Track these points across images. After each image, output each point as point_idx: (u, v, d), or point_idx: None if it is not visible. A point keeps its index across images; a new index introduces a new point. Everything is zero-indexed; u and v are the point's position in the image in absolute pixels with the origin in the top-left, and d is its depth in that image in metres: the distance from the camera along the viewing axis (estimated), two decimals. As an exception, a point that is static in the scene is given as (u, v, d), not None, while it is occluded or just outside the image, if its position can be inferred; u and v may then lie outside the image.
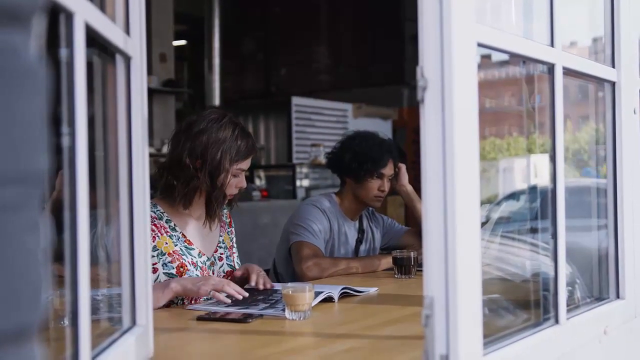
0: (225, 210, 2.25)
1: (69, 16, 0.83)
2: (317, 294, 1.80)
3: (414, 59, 1.03)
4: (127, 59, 1.15)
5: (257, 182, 6.75)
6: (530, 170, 1.65)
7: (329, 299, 1.87)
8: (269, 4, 9.24)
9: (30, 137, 0.53)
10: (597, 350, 1.50)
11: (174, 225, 2.04)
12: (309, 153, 6.97)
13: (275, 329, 1.58)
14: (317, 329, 1.61)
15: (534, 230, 1.63)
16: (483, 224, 1.56)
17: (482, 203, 1.15)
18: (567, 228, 1.35)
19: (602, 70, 1.58)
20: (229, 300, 1.79)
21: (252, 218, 5.18)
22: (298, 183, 6.56)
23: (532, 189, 1.65)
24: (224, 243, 2.18)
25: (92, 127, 0.93)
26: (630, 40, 1.64)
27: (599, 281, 1.66)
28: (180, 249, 2.02)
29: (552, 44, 1.33)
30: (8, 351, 0.50)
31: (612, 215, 1.63)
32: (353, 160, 2.61)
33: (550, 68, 1.34)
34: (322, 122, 7.47)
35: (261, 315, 1.68)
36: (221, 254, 2.15)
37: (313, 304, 1.71)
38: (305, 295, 1.64)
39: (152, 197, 1.88)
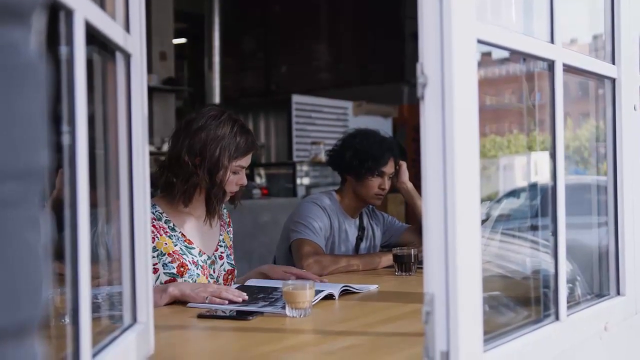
0: (225, 210, 2.25)
1: (69, 13, 0.83)
2: (317, 291, 1.80)
3: (414, 57, 1.03)
4: (127, 57, 1.15)
5: (258, 180, 6.75)
6: (531, 167, 1.65)
7: (329, 297, 1.87)
8: (269, 1, 9.24)
9: (30, 133, 0.53)
10: (597, 347, 1.50)
11: (173, 225, 2.04)
12: (309, 151, 6.97)
13: (276, 327, 1.58)
14: (318, 326, 1.61)
15: (534, 228, 1.64)
16: (483, 222, 1.57)
17: (483, 200, 1.15)
18: (568, 225, 1.35)
19: (602, 67, 1.58)
20: (226, 302, 1.79)
21: (253, 216, 5.18)
22: (298, 181, 6.56)
23: (533, 187, 1.65)
24: (224, 242, 2.18)
25: (92, 125, 0.93)
26: (630, 37, 1.64)
27: (599, 278, 1.67)
28: (180, 248, 2.02)
29: (552, 41, 1.33)
30: (8, 347, 0.50)
31: (613, 212, 1.63)
32: (354, 158, 2.61)
33: (551, 65, 1.34)
34: (323, 120, 7.47)
35: (262, 313, 1.68)
36: (222, 252, 2.15)
37: (313, 302, 1.71)
38: (305, 292, 1.64)
39: (152, 195, 1.88)
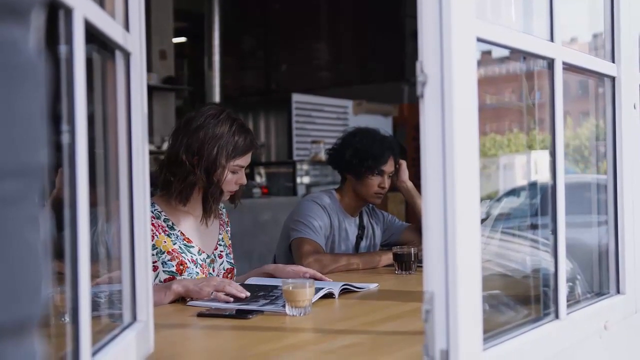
0: (224, 210, 2.25)
1: (68, 12, 0.83)
2: (317, 290, 1.80)
3: (415, 56, 1.03)
4: (127, 55, 1.15)
5: (258, 179, 6.75)
6: (531, 166, 1.65)
7: (329, 295, 1.87)
8: (269, 0, 9.23)
9: (30, 131, 0.53)
10: (597, 346, 1.50)
11: (172, 224, 2.04)
12: (309, 150, 6.97)
13: (276, 325, 1.58)
14: (318, 325, 1.61)
15: (534, 226, 1.64)
16: (483, 220, 1.57)
17: (483, 199, 1.15)
18: (567, 224, 1.35)
19: (602, 65, 1.58)
20: (231, 299, 1.79)
21: (253, 215, 5.18)
22: (298, 180, 6.57)
23: (532, 185, 1.65)
24: (223, 241, 2.18)
25: (91, 124, 0.93)
26: (630, 35, 1.64)
27: (599, 276, 1.67)
28: (180, 247, 2.02)
29: (552, 39, 1.33)
30: (8, 345, 0.50)
31: (613, 210, 1.63)
32: (354, 157, 2.61)
33: (550, 63, 1.33)
34: (323, 119, 7.47)
35: (261, 311, 1.68)
36: (221, 251, 2.15)
37: (313, 300, 1.71)
38: (305, 291, 1.64)
39: (151, 194, 1.88)
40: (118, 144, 1.16)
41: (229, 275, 2.15)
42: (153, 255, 1.96)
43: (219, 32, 7.52)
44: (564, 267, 1.33)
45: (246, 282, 2.07)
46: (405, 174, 2.73)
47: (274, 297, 1.82)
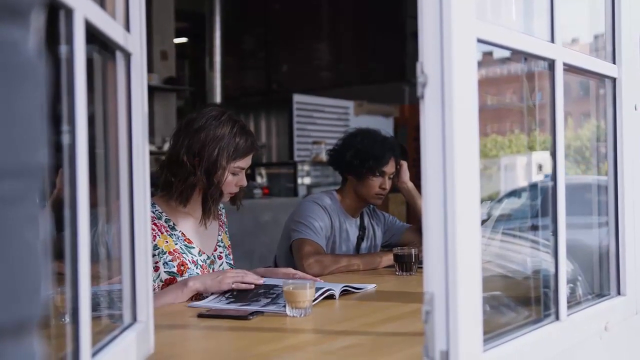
0: (223, 210, 2.25)
1: (69, 12, 0.83)
2: (317, 290, 1.80)
3: (415, 56, 1.03)
4: (127, 56, 1.15)
5: (259, 179, 6.75)
6: (532, 167, 1.65)
7: (329, 296, 1.87)
8: (269, 1, 9.24)
9: (30, 131, 0.53)
10: (597, 347, 1.50)
11: (173, 224, 2.05)
12: (310, 150, 6.97)
13: (276, 326, 1.58)
14: (318, 325, 1.61)
15: (534, 228, 1.64)
16: (484, 221, 1.57)
17: (484, 200, 1.15)
18: (568, 225, 1.34)
19: (602, 66, 1.58)
20: (252, 286, 1.82)
21: (254, 216, 5.18)
22: (299, 181, 6.57)
23: (533, 187, 1.65)
24: (222, 242, 2.18)
25: (92, 124, 0.93)
26: (631, 37, 1.64)
27: (600, 278, 1.66)
28: (181, 247, 2.02)
29: (552, 40, 1.33)
30: (7, 345, 0.50)
31: (613, 211, 1.63)
32: (355, 158, 2.61)
33: (551, 64, 1.33)
34: (324, 120, 7.47)
35: (262, 312, 1.68)
36: (220, 252, 2.15)
37: (314, 301, 1.71)
38: (306, 292, 1.64)
39: (152, 195, 1.88)
40: (118, 144, 1.16)
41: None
42: (154, 255, 1.96)
43: (220, 33, 7.52)
44: (565, 268, 1.33)
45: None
46: (406, 174, 2.73)
47: (274, 296, 1.82)
